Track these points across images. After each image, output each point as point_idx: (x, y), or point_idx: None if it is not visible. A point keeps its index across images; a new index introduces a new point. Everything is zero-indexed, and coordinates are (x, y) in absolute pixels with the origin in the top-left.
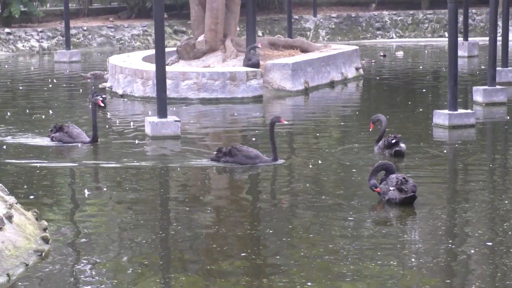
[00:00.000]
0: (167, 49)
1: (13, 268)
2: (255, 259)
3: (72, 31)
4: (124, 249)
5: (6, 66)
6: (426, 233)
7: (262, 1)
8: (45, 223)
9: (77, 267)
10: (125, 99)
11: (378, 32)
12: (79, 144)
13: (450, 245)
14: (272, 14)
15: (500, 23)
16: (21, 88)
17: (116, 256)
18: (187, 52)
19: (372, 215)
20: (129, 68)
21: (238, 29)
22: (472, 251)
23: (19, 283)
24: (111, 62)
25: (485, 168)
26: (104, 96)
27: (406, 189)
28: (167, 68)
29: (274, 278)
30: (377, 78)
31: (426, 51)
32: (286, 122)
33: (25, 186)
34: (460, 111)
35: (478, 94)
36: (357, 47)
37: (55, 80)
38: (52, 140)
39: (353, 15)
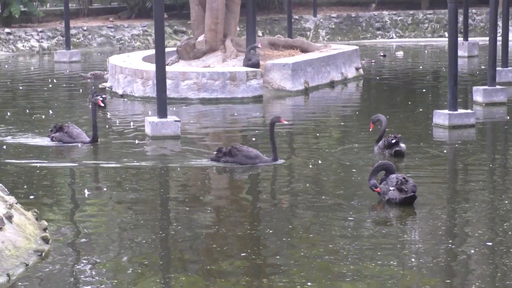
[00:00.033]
0: (167, 49)
1: (13, 268)
2: (255, 259)
3: (72, 31)
4: (124, 249)
5: (6, 66)
6: (426, 233)
7: (262, 1)
8: (45, 223)
9: (77, 267)
10: (125, 99)
11: (378, 32)
12: (79, 144)
13: (450, 245)
14: (272, 14)
15: (500, 23)
16: (21, 88)
17: (116, 256)
18: (187, 52)
19: (372, 215)
20: (129, 68)
21: (238, 29)
22: (472, 251)
23: (19, 283)
24: (111, 62)
25: (485, 168)
26: (104, 96)
27: (406, 189)
28: (167, 68)
29: (274, 278)
30: (377, 78)
31: (426, 51)
32: (286, 122)
33: (25, 186)
34: (460, 111)
35: (478, 94)
36: (357, 47)
37: (55, 80)
38: (52, 140)
39: (353, 15)
